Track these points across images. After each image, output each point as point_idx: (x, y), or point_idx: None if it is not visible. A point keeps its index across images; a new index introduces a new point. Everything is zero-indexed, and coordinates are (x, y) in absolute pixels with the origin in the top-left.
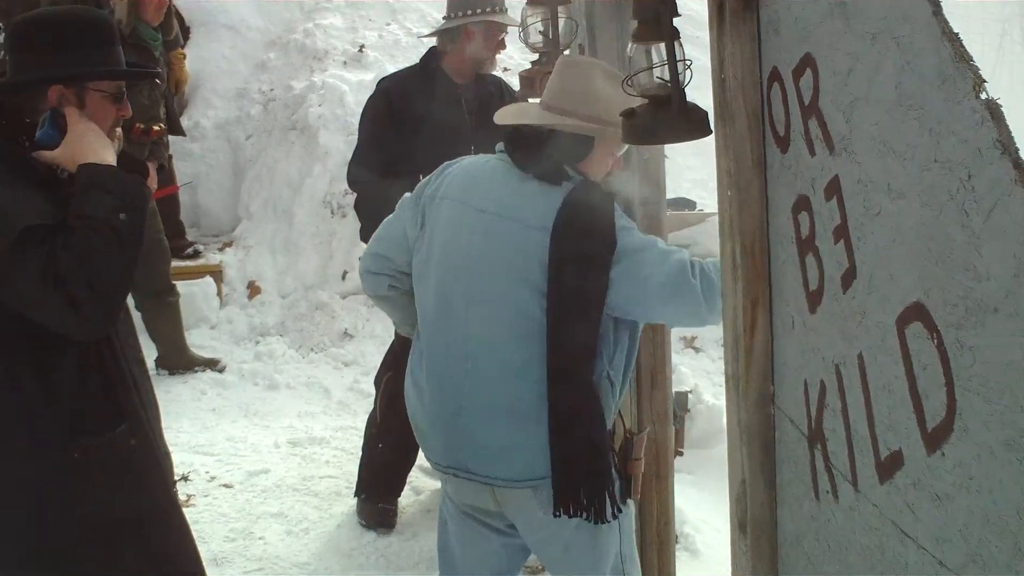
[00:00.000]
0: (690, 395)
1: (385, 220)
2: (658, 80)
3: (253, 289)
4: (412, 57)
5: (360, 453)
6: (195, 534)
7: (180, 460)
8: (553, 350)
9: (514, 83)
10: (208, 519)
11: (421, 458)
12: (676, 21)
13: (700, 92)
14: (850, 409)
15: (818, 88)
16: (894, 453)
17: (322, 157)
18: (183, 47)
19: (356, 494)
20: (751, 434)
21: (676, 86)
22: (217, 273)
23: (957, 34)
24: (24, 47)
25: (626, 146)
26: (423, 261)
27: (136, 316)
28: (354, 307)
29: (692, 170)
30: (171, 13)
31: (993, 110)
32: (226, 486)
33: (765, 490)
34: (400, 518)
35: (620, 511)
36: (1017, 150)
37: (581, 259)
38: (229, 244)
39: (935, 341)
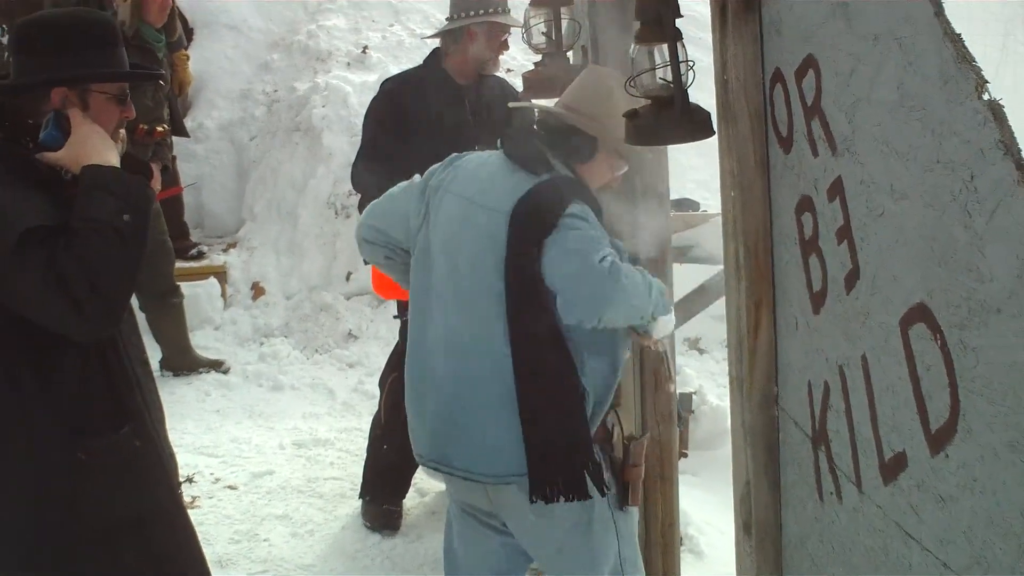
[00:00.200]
0: (694, 396)
1: (388, 192)
2: (661, 81)
3: (257, 290)
4: (415, 58)
5: (365, 455)
6: (199, 536)
7: (184, 461)
8: (515, 337)
9: (517, 84)
10: (212, 521)
11: None
12: (678, 22)
13: (703, 93)
14: (854, 410)
15: (820, 89)
16: (898, 454)
17: (326, 158)
18: (186, 48)
19: (361, 496)
20: (755, 435)
21: (679, 87)
22: (221, 274)
23: (959, 35)
24: (27, 49)
25: (625, 168)
26: (422, 251)
27: (140, 317)
28: (358, 308)
29: (695, 170)
30: (174, 14)
31: (996, 111)
32: (230, 488)
33: (769, 491)
34: (405, 520)
35: (605, 491)
36: (1020, 151)
37: (528, 241)
38: (233, 245)
39: (939, 342)
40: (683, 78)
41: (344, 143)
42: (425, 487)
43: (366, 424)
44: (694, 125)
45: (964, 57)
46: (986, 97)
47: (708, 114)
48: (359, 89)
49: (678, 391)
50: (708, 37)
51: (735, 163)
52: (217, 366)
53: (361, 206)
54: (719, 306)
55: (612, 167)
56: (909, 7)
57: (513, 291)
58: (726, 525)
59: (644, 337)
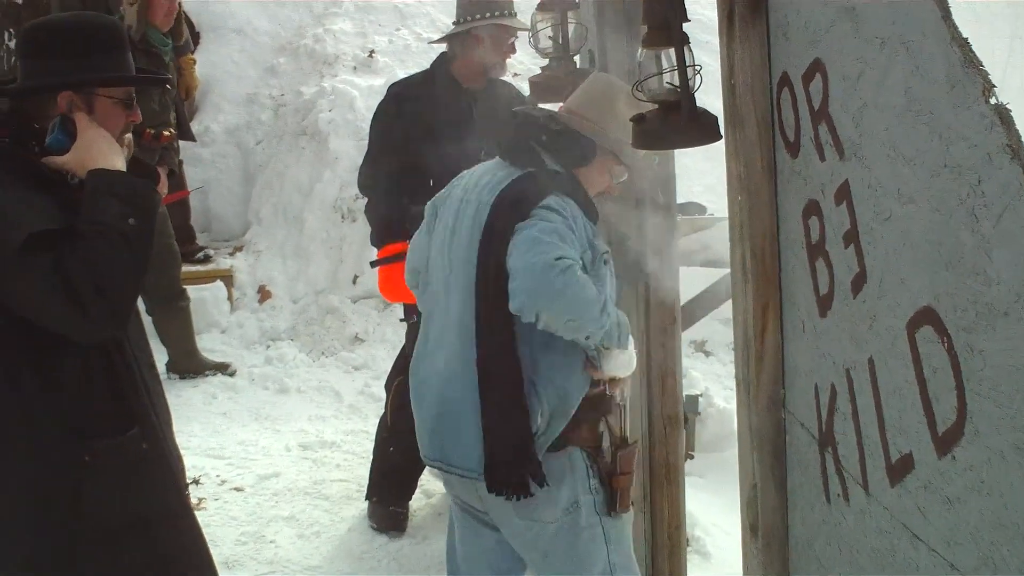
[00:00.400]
0: (700, 398)
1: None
2: (668, 85)
3: (264, 293)
4: (422, 62)
5: (371, 457)
6: (206, 537)
7: (191, 464)
8: (478, 333)
9: (524, 88)
10: (219, 523)
11: None
12: (685, 26)
13: (710, 97)
14: (861, 413)
15: (827, 93)
16: (905, 456)
17: (332, 162)
18: (193, 52)
19: (367, 497)
20: (762, 438)
21: (686, 91)
22: (228, 278)
23: (966, 39)
24: (34, 53)
25: (624, 175)
26: (428, 259)
27: (147, 320)
28: (365, 311)
29: (702, 174)
30: (181, 18)
31: (1003, 115)
32: (237, 490)
33: (776, 493)
34: (411, 521)
35: (540, 486)
36: None
37: (501, 228)
38: (240, 249)
39: (945, 345)
40: (690, 82)
41: (350, 147)
42: (431, 489)
43: (372, 426)
44: (701, 130)
45: (971, 61)
46: (993, 101)
47: (715, 118)
48: (366, 93)
49: (684, 393)
50: (715, 41)
51: (742, 167)
52: (223, 369)
53: (367, 210)
54: (725, 309)
55: (611, 173)
56: (916, 11)
57: (480, 280)
58: (733, 527)
59: (592, 368)
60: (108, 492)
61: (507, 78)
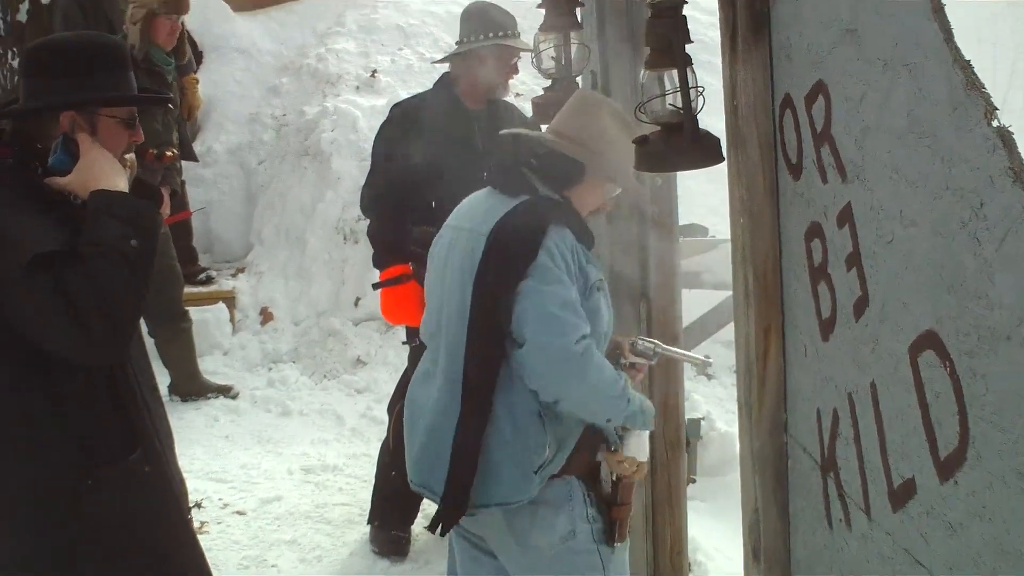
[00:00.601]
0: (703, 422)
1: None
2: (671, 107)
3: (266, 315)
4: (425, 82)
5: (373, 481)
6: (208, 561)
7: (193, 487)
8: (466, 367)
9: (526, 108)
10: (221, 546)
11: None
12: (688, 47)
13: (712, 117)
14: (863, 437)
15: (830, 115)
16: (907, 481)
17: (334, 183)
18: (196, 72)
19: (369, 522)
20: (764, 462)
21: (689, 113)
22: (230, 299)
23: (968, 61)
24: (37, 72)
25: (617, 190)
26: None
27: (149, 342)
28: (367, 334)
29: (705, 196)
30: (184, 38)
31: (1005, 138)
32: (239, 513)
33: (778, 518)
34: (413, 546)
35: (443, 532)
36: None
37: (501, 275)
38: (242, 270)
39: (948, 369)
40: (693, 104)
41: (353, 167)
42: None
43: (374, 450)
44: (704, 152)
45: (974, 84)
46: (995, 124)
47: (718, 140)
48: (368, 113)
49: (686, 417)
50: (717, 61)
51: (744, 190)
52: (226, 391)
53: (370, 231)
54: (727, 332)
55: (603, 191)
56: (918, 33)
57: (472, 316)
58: (735, 551)
59: (608, 452)
60: (111, 515)
61: (510, 98)
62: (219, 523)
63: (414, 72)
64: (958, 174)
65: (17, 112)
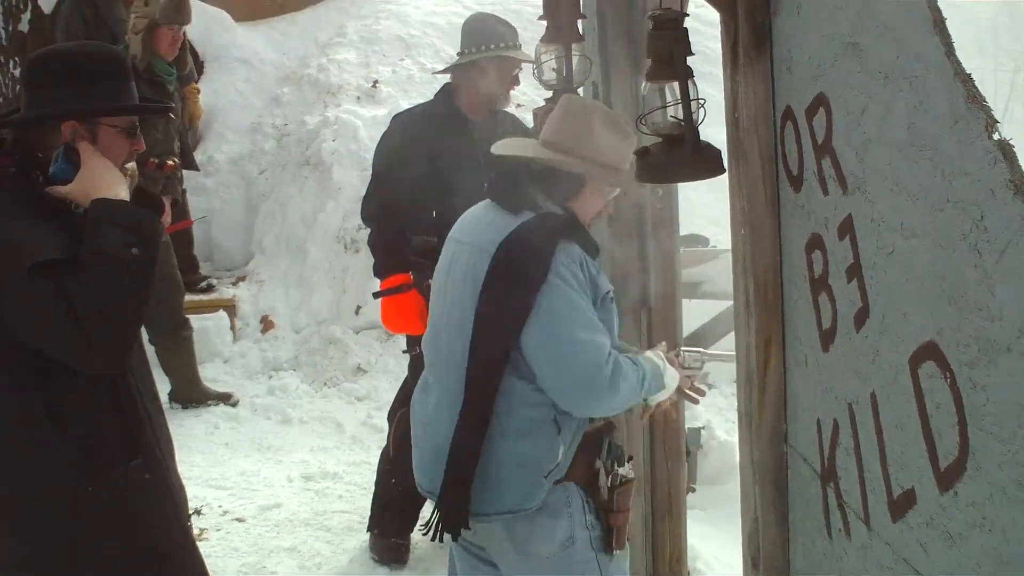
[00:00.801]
0: (703, 431)
1: None
2: (672, 119)
3: (266, 323)
4: (426, 93)
5: (373, 488)
6: (208, 568)
7: (193, 494)
8: (471, 368)
9: (528, 119)
10: (220, 553)
11: None
12: (690, 59)
13: (714, 128)
14: (863, 447)
15: (831, 127)
16: (907, 492)
17: (335, 193)
18: (197, 81)
19: (368, 529)
20: (764, 471)
21: (690, 125)
22: (230, 307)
23: (969, 75)
24: (38, 82)
25: (616, 191)
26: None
27: (150, 350)
28: (367, 342)
29: (706, 207)
30: (185, 48)
31: (1006, 151)
32: (239, 520)
33: (777, 527)
34: (412, 554)
35: (443, 538)
36: None
37: (508, 279)
38: (243, 278)
39: (948, 380)
40: (694, 116)
41: (354, 177)
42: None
43: (374, 458)
44: (705, 163)
45: (974, 97)
46: (996, 137)
47: (719, 152)
48: (369, 123)
49: (686, 426)
50: (719, 72)
51: (746, 201)
52: (226, 399)
53: (370, 241)
54: (728, 342)
55: (604, 195)
56: (920, 47)
57: (476, 331)
58: (734, 560)
59: (645, 410)
60: (111, 522)
61: (511, 109)
62: (219, 530)
63: (415, 83)
64: (959, 187)
65: (19, 121)
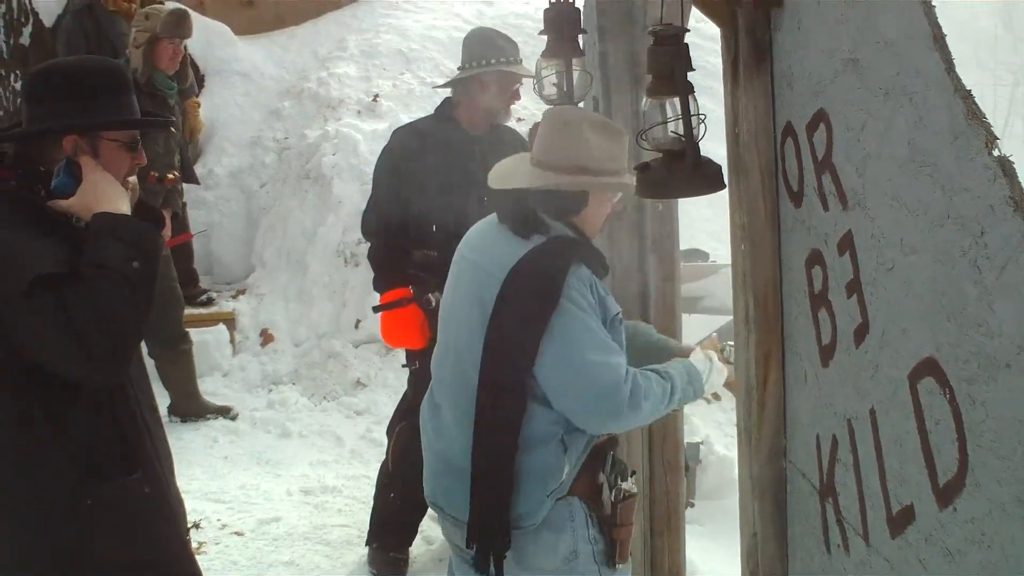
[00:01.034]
0: (701, 446)
1: None
2: (672, 134)
3: (266, 337)
4: (426, 107)
5: (372, 502)
6: None
7: (192, 507)
8: (481, 394)
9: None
10: (219, 567)
11: None
12: (690, 74)
13: (714, 144)
14: (862, 463)
15: (831, 143)
16: (906, 508)
17: (335, 206)
18: (197, 95)
19: (367, 543)
20: (763, 487)
21: (690, 140)
22: (230, 321)
23: (969, 91)
24: (39, 96)
25: (621, 193)
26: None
27: (149, 363)
28: (367, 356)
29: (706, 221)
30: (186, 62)
31: (1005, 167)
32: (237, 534)
33: (776, 543)
34: (411, 568)
35: (493, 572)
36: None
37: (519, 305)
38: (242, 292)
39: (947, 396)
40: (695, 131)
41: (354, 191)
42: (431, 535)
43: (373, 472)
44: (705, 179)
45: (974, 113)
46: (996, 153)
47: (719, 167)
48: (369, 137)
49: (685, 441)
50: (719, 86)
51: (746, 217)
52: (225, 412)
53: (370, 255)
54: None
55: (607, 203)
56: (920, 63)
57: (488, 350)
58: (733, 575)
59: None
60: (110, 535)
61: (511, 124)
62: (217, 543)
63: (415, 97)
64: (959, 203)
65: (20, 135)
